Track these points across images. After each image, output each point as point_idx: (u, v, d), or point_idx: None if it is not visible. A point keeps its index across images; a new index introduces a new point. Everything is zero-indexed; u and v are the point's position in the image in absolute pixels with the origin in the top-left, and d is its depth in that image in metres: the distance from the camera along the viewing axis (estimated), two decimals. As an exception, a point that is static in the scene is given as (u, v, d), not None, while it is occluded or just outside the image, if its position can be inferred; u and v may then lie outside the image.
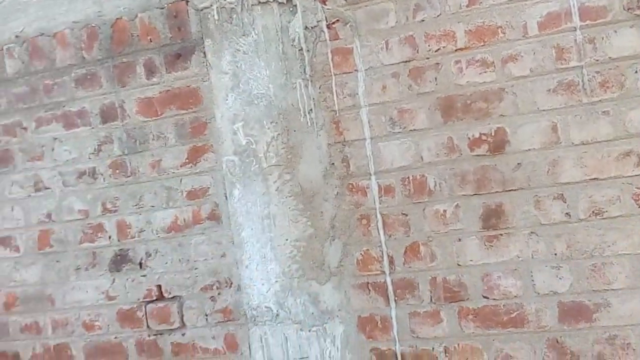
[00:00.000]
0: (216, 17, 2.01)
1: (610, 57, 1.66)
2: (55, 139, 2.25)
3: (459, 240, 1.78)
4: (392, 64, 1.85)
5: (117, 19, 2.17)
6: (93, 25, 2.20)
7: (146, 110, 2.12)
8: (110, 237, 2.16)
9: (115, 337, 2.16)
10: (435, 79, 1.81)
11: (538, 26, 1.72)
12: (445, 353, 1.79)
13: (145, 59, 2.13)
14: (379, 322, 1.85)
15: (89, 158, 2.20)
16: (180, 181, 2.08)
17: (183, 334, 2.08)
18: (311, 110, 1.94)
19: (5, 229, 2.30)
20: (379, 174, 1.87)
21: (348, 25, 1.90)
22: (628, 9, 1.65)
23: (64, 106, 2.24)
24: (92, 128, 2.20)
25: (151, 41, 2.12)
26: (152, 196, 2.11)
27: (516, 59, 1.74)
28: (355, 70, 1.90)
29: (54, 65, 2.26)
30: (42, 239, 2.24)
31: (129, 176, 2.14)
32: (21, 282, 2.28)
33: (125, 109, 2.15)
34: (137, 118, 2.13)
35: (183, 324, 2.08)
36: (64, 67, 2.24)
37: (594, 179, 1.65)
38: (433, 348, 1.80)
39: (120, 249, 2.15)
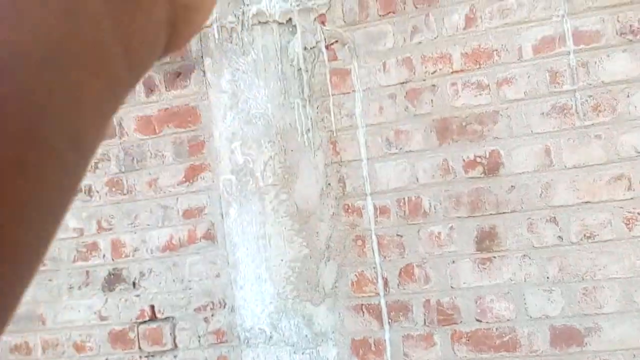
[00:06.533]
0: (216, 36, 2.31)
1: (602, 81, 1.91)
2: (52, 155, 2.54)
3: (453, 262, 2.01)
4: (389, 85, 2.12)
5: (118, 36, 2.47)
6: (93, 42, 2.51)
7: (144, 128, 2.41)
8: (104, 256, 2.43)
9: (106, 359, 2.42)
10: (432, 100, 2.07)
11: (532, 50, 1.98)
12: (438, 377, 2.01)
13: (145, 77, 2.42)
14: (373, 345, 2.08)
15: (86, 175, 2.48)
16: (177, 200, 2.35)
17: (175, 356, 2.33)
18: (309, 130, 2.21)
19: (-1, 246, 2.58)
20: (375, 194, 2.12)
21: (346, 47, 2.18)
22: (621, 34, 1.91)
23: (62, 123, 2.53)
24: (90, 145, 2.48)
25: (151, 59, 2.42)
26: (148, 215, 2.38)
27: (511, 82, 1.99)
28: (353, 90, 2.17)
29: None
30: (35, 257, 2.51)
31: (125, 194, 2.42)
32: (13, 301, 2.54)
33: (123, 126, 2.44)
34: (135, 136, 2.42)
35: (175, 346, 2.33)
36: (63, 83, 2.55)
37: (586, 202, 1.89)
38: (426, 372, 2.02)
39: (114, 268, 2.42)
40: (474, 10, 2.04)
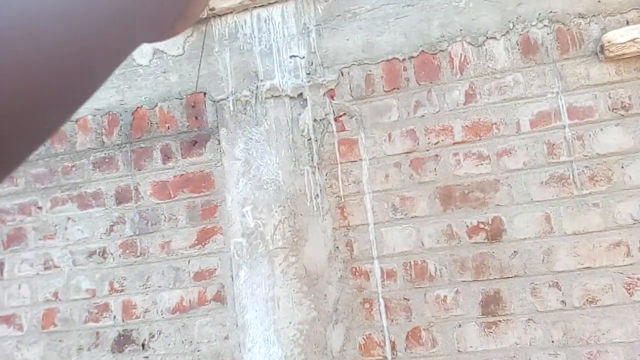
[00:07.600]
0: (232, 108, 2.41)
1: (597, 153, 1.99)
2: (69, 218, 2.58)
3: (459, 326, 2.01)
4: (395, 155, 2.20)
5: (138, 107, 2.58)
6: (114, 112, 2.61)
7: (160, 192, 2.47)
8: (114, 317, 2.42)
9: (111, 423, 2.35)
10: (435, 169, 2.14)
11: (530, 123, 2.07)
12: None
13: (162, 144, 2.51)
14: (380, 410, 2.04)
15: (101, 238, 2.52)
16: (189, 262, 2.37)
17: (181, 420, 2.27)
18: (317, 195, 2.27)
19: (11, 307, 2.58)
20: (382, 258, 2.15)
21: (354, 119, 2.28)
22: (613, 109, 2.00)
23: (80, 187, 2.60)
24: (106, 209, 2.54)
25: (169, 128, 2.51)
26: (159, 276, 2.40)
27: (510, 153, 2.07)
28: (360, 159, 2.25)
29: (74, 148, 2.65)
30: (46, 318, 2.51)
31: (139, 256, 2.44)
32: (21, 362, 2.51)
33: (139, 191, 2.50)
34: (150, 200, 2.47)
35: (181, 410, 2.27)
36: (84, 150, 2.63)
37: (587, 267, 1.91)
38: None
39: (124, 329, 2.40)
40: (473, 87, 2.15)
